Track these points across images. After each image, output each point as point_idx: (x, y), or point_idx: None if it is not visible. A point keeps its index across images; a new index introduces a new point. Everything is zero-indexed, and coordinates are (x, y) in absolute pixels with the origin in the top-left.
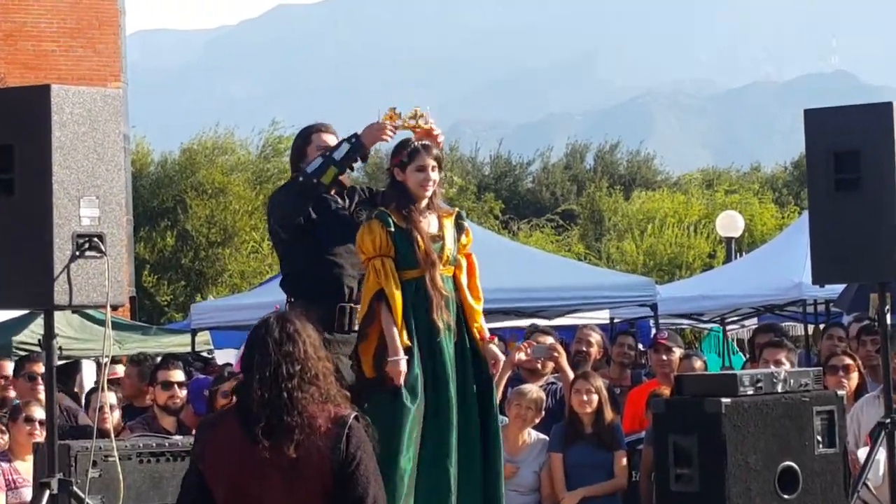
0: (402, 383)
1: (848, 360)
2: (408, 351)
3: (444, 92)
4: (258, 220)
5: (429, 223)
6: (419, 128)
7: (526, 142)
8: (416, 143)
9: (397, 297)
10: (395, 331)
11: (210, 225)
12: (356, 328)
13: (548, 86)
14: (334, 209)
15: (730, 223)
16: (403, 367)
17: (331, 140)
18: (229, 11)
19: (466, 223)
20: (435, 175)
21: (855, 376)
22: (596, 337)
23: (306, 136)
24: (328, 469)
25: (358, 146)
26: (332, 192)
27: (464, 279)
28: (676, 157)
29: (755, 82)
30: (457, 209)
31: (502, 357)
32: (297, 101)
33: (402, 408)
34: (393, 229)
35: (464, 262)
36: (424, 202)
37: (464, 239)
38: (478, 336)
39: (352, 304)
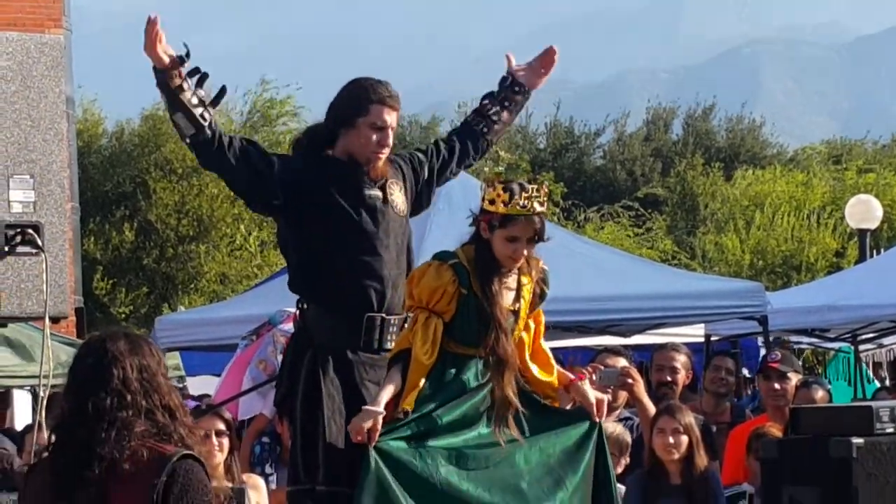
0: (370, 442)
1: None
2: (402, 415)
3: (489, 41)
4: (242, 209)
5: (506, 292)
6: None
7: (594, 105)
8: (516, 208)
9: (424, 365)
10: (392, 389)
11: (180, 215)
12: (388, 346)
13: (623, 34)
14: (362, 196)
15: (864, 211)
16: (370, 422)
17: (391, 118)
18: None
19: (548, 289)
20: (528, 249)
21: None
22: (682, 359)
23: (359, 105)
24: None
25: (159, 77)
26: (368, 177)
27: (528, 345)
28: (792, 125)
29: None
30: (542, 264)
31: (601, 395)
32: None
33: (366, 474)
34: (465, 292)
35: (531, 325)
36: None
37: (538, 305)
38: (560, 389)
39: (383, 315)
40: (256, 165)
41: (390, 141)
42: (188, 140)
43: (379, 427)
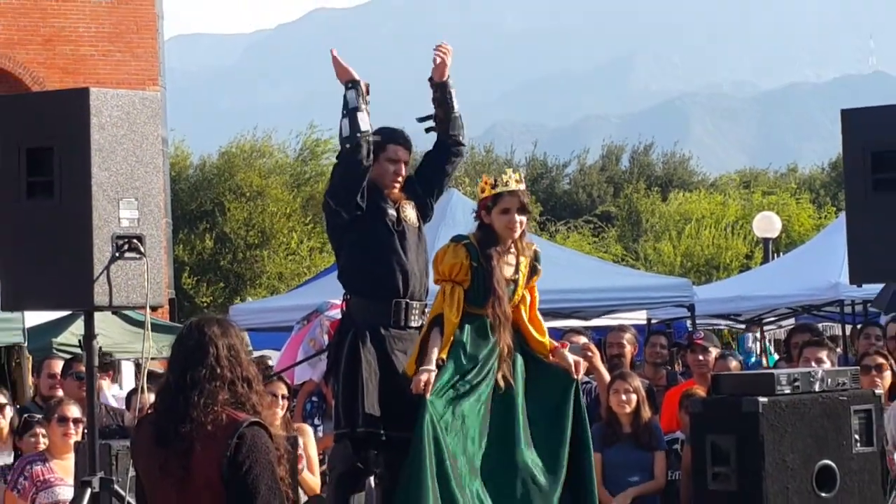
0: (426, 394)
1: (880, 360)
2: (441, 364)
3: (479, 94)
4: (296, 223)
5: (508, 265)
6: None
7: (562, 144)
8: (501, 187)
9: (453, 323)
10: (437, 348)
11: (248, 227)
12: (412, 324)
13: (583, 89)
14: (385, 214)
15: (767, 224)
16: (426, 377)
17: (404, 156)
18: (267, 15)
19: (540, 265)
20: (520, 217)
21: (888, 375)
22: (628, 336)
23: (381, 145)
24: (217, 477)
25: (346, 91)
26: (388, 200)
27: (525, 314)
28: (713, 159)
29: (793, 83)
30: (535, 248)
31: (578, 357)
32: (335, 104)
33: (423, 418)
34: (476, 264)
35: (528, 297)
36: (509, 242)
37: (535, 277)
38: (548, 353)
39: (408, 300)
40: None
41: (404, 172)
42: (347, 144)
43: (433, 381)
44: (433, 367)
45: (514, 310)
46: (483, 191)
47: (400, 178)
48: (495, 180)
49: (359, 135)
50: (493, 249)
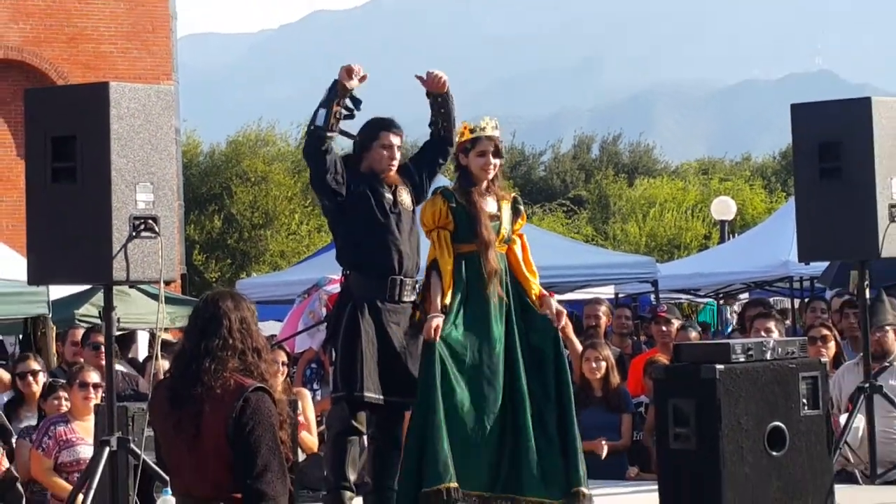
0: (436, 339)
1: (825, 332)
2: (446, 310)
3: (463, 89)
4: (296, 205)
5: (488, 204)
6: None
7: (538, 135)
8: (479, 132)
9: (448, 266)
10: (439, 294)
11: (253, 209)
12: (406, 299)
13: (558, 85)
14: (382, 197)
15: (723, 208)
16: (435, 323)
17: (396, 140)
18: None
19: (522, 207)
20: (495, 160)
21: (832, 346)
22: (604, 309)
23: (374, 134)
24: (224, 437)
25: (334, 84)
26: (384, 184)
27: (519, 254)
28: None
29: (748, 80)
30: (514, 194)
31: (561, 308)
32: None
33: (433, 359)
34: (454, 205)
35: (518, 241)
36: (485, 184)
37: (519, 221)
38: (535, 298)
39: (402, 277)
40: (339, 173)
41: (397, 156)
42: (311, 128)
43: (440, 325)
44: (439, 313)
45: (508, 251)
46: (462, 135)
47: (395, 161)
48: (474, 126)
49: (311, 127)
50: (472, 187)
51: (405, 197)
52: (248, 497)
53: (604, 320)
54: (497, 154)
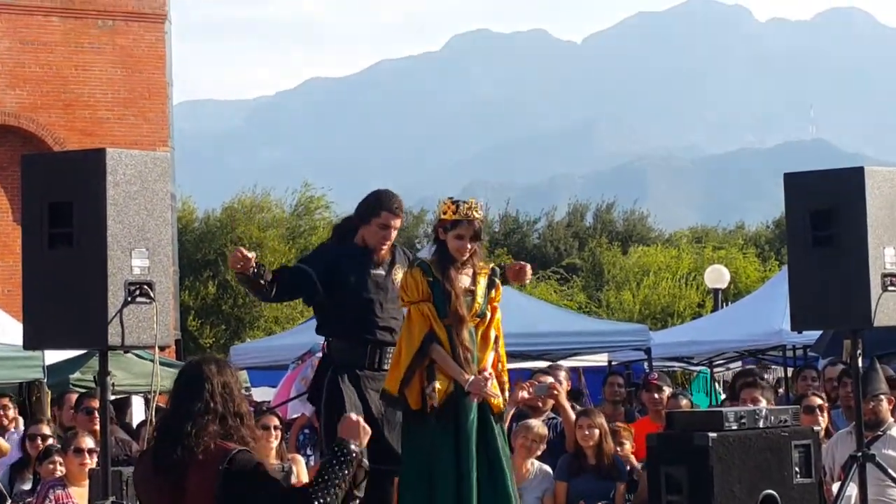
0: (488, 393)
1: (819, 401)
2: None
3: (457, 154)
4: None
5: (462, 280)
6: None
7: (532, 202)
8: (461, 215)
9: (445, 335)
10: (454, 363)
11: None
12: (385, 367)
13: (551, 151)
14: (369, 272)
15: (717, 276)
16: (483, 380)
17: (395, 222)
18: (267, 83)
19: (498, 280)
20: (472, 244)
21: (825, 415)
22: (563, 374)
23: (376, 210)
24: (212, 501)
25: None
26: (375, 260)
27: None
28: (669, 215)
29: (741, 149)
30: (493, 265)
31: (527, 266)
32: (328, 164)
33: (442, 432)
34: (431, 279)
35: (488, 314)
36: (461, 261)
37: (493, 293)
38: (487, 368)
39: (380, 348)
40: (301, 287)
41: (392, 237)
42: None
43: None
44: (478, 375)
45: (478, 324)
46: (445, 213)
47: (387, 243)
48: (457, 206)
49: (255, 296)
50: (448, 264)
51: (399, 276)
52: None
53: (564, 385)
54: (475, 238)
